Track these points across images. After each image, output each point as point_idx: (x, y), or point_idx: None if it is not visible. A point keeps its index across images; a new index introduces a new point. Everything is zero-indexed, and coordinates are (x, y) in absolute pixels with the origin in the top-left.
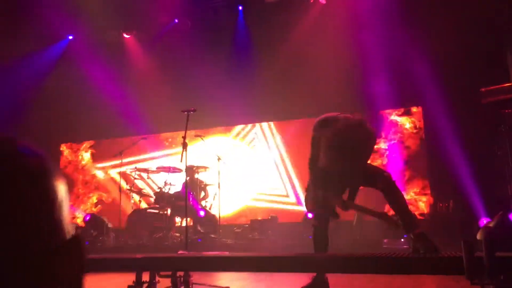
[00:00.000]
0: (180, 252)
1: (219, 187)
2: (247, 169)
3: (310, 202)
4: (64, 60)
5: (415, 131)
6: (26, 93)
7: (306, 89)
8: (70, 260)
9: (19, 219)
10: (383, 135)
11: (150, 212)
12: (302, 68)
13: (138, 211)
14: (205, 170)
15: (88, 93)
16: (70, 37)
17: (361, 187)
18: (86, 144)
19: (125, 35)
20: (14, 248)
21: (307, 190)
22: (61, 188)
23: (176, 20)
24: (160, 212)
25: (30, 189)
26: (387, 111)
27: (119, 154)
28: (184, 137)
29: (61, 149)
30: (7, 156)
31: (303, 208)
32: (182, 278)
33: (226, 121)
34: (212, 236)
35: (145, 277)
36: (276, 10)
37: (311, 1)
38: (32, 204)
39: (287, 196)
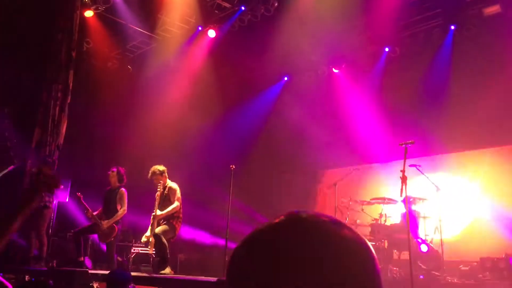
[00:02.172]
0: None
1: (440, 220)
2: (469, 200)
3: None
4: (281, 98)
5: None
6: (252, 130)
7: None
8: None
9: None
10: None
11: None
12: None
13: None
14: (423, 202)
15: (303, 127)
16: (286, 78)
17: None
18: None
19: (334, 70)
20: None
21: None
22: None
23: (387, 49)
24: (376, 244)
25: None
26: None
27: (333, 185)
28: (403, 171)
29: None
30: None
31: None
32: None
33: (441, 149)
34: (435, 273)
35: None
36: (496, 23)
37: None
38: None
39: None
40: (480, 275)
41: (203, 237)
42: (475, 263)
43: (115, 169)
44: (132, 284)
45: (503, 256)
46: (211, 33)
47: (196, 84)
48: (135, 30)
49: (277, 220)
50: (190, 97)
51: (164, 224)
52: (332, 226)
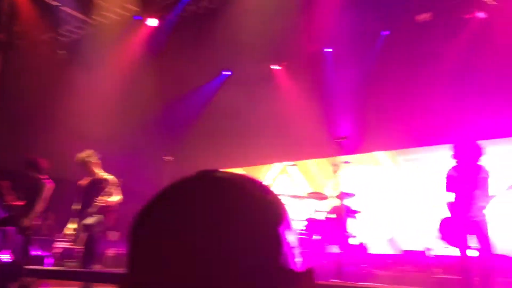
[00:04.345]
0: (332, 280)
1: (367, 214)
2: (397, 197)
3: None
4: (221, 93)
5: None
6: (191, 123)
7: (457, 113)
8: None
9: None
10: None
11: (300, 238)
12: (453, 90)
13: None
14: (353, 197)
15: (241, 122)
16: (226, 73)
17: None
18: (239, 170)
19: (274, 67)
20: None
21: None
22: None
23: (327, 49)
24: (310, 238)
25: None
26: None
27: (271, 180)
28: (336, 165)
29: None
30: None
31: None
32: None
33: (374, 147)
34: (362, 265)
35: None
36: (426, 29)
37: (467, 16)
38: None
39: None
40: (403, 267)
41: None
42: (398, 256)
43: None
44: (27, 278)
45: (423, 249)
46: (152, 22)
47: (133, 74)
48: (70, 14)
49: (183, 178)
50: (125, 87)
51: (97, 215)
52: (242, 182)
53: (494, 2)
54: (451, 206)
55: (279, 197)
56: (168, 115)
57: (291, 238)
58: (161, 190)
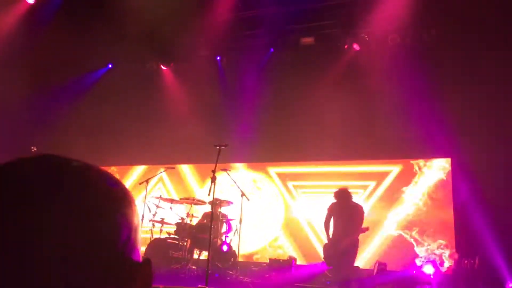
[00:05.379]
0: (199, 286)
1: (240, 222)
2: (271, 208)
3: None
4: (103, 86)
5: (443, 182)
6: (64, 112)
7: (331, 132)
8: (140, 279)
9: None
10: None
11: (169, 242)
12: (329, 111)
13: (158, 240)
14: (229, 205)
15: (119, 119)
16: (110, 66)
17: None
18: (113, 169)
19: (162, 67)
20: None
21: None
22: (137, 214)
23: (217, 57)
24: (180, 243)
25: (113, 213)
26: (415, 160)
27: (145, 182)
28: (213, 171)
29: None
30: (95, 184)
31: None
32: None
33: (254, 158)
34: (230, 272)
35: None
36: (310, 52)
37: (346, 46)
38: (114, 227)
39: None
40: (267, 275)
41: None
42: (265, 264)
43: None
44: None
45: (287, 258)
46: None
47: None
48: None
49: (20, 158)
50: None
51: None
52: (86, 170)
53: (366, 37)
54: (329, 234)
55: (127, 189)
56: (41, 102)
57: (131, 228)
58: None
